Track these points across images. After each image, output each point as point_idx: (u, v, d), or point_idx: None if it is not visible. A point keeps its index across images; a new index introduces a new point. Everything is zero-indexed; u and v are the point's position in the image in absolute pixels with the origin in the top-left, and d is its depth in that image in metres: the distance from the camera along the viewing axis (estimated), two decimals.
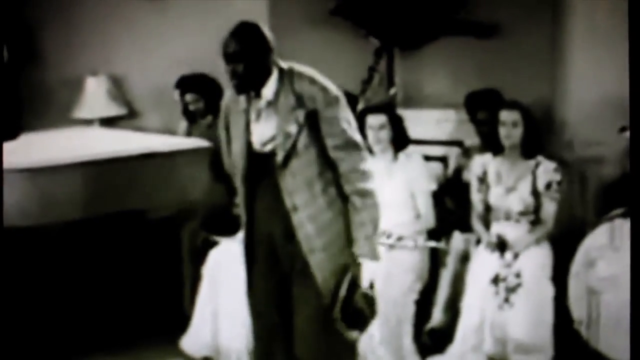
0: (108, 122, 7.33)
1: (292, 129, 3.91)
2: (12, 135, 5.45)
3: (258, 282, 4.11)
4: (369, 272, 3.98)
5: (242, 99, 4.02)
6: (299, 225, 3.94)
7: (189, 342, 5.62)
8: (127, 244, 5.98)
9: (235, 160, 4.06)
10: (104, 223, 5.62)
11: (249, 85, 3.94)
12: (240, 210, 4.11)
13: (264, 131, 3.97)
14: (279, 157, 3.92)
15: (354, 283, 3.96)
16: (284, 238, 4.00)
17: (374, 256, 3.98)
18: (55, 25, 7.43)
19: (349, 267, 3.97)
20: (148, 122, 7.34)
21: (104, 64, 7.34)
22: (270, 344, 4.12)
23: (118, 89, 7.40)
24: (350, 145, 3.96)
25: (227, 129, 4.10)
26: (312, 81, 3.95)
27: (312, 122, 3.92)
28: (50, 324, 5.72)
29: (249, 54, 3.88)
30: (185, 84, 6.70)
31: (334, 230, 3.97)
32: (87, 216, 5.40)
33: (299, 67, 4.01)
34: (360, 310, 3.99)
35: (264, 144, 3.98)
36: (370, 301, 4.01)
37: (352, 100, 4.26)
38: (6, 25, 5.70)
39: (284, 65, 3.99)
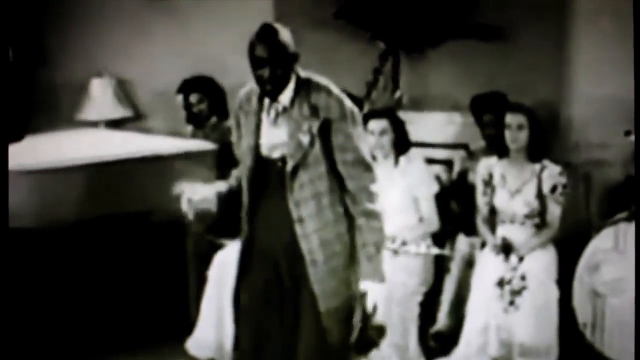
0: (114, 124, 7.35)
1: (305, 139, 3.83)
2: (18, 136, 5.47)
3: (250, 291, 4.02)
4: (373, 295, 3.89)
5: (255, 99, 3.95)
6: (303, 237, 3.86)
7: (195, 343, 5.61)
8: (132, 246, 5.97)
9: (242, 159, 4.00)
10: (109, 225, 5.62)
11: (276, 89, 3.85)
12: (243, 214, 4.01)
13: (275, 136, 3.90)
14: (289, 166, 3.85)
15: (366, 314, 3.89)
16: (286, 249, 3.91)
17: (378, 278, 3.88)
18: (62, 28, 7.45)
19: (352, 292, 3.89)
20: (154, 124, 7.35)
21: (110, 66, 7.36)
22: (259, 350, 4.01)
23: (124, 91, 7.41)
24: (361, 163, 3.87)
25: (238, 125, 4.03)
26: (329, 93, 3.87)
27: (326, 135, 3.84)
28: (55, 325, 5.71)
29: (278, 58, 3.79)
30: (188, 85, 6.71)
31: (338, 247, 3.89)
32: (92, 218, 5.41)
33: (317, 78, 3.92)
34: (372, 340, 3.95)
35: (273, 148, 3.90)
36: (380, 331, 3.97)
37: (357, 103, 4.21)
38: (13, 28, 5.71)
39: (302, 74, 3.91)
